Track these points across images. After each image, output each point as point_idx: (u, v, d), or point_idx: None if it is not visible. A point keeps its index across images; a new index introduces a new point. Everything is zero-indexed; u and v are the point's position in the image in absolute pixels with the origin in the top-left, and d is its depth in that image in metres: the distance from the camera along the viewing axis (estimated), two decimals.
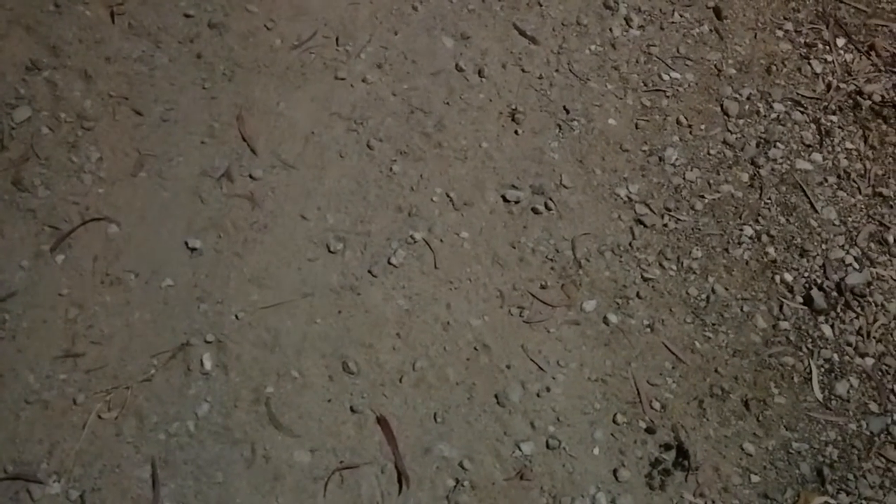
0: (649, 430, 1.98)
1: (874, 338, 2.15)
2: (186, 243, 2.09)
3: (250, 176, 2.21)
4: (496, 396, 1.98)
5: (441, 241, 2.19)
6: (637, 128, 2.45)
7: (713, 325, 2.14)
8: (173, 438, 1.85)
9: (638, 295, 2.16)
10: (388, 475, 1.86)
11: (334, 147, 2.29)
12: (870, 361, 2.11)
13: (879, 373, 2.10)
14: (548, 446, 1.93)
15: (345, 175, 2.25)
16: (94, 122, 2.23)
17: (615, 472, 1.91)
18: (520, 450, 1.92)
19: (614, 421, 1.98)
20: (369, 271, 2.12)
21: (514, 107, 2.42)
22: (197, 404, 1.89)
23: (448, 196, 2.26)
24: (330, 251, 2.14)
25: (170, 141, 2.23)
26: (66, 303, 1.96)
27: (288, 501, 1.80)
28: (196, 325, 1.98)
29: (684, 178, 2.38)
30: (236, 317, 2.01)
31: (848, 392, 2.06)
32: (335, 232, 2.16)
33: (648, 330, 2.11)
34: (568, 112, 2.45)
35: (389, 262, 2.13)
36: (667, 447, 1.95)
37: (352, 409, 1.93)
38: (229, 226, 2.13)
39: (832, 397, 2.05)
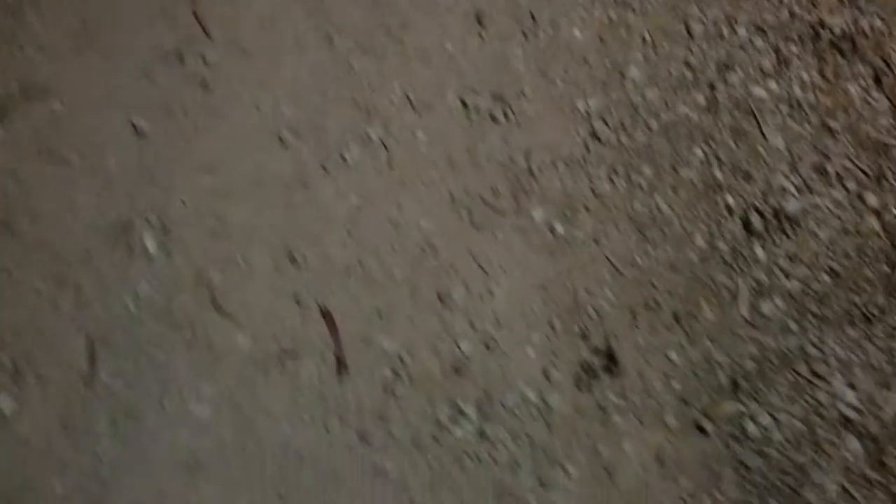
0: (583, 337, 2.05)
1: (803, 262, 2.22)
2: (133, 124, 2.03)
3: (203, 59, 2.14)
4: (439, 296, 2.02)
5: (397, 141, 2.17)
6: (602, 42, 2.43)
7: (654, 241, 2.19)
8: (112, 316, 1.85)
9: (586, 207, 2.19)
10: (329, 364, 1.90)
11: (293, 36, 2.22)
12: (796, 284, 2.19)
13: (803, 295, 2.19)
14: (485, 346, 1.98)
15: (303, 66, 2.19)
16: None
17: (546, 372, 1.98)
18: (458, 347, 1.97)
19: (551, 326, 2.04)
20: (322, 166, 2.10)
21: (481, 10, 2.37)
22: (138, 285, 1.88)
23: (407, 96, 2.23)
24: (283, 143, 2.10)
25: (118, 16, 2.12)
26: (5, 177, 1.91)
27: (228, 383, 1.84)
28: (140, 207, 1.95)
29: (643, 97, 2.38)
30: (183, 202, 1.99)
31: (772, 311, 2.14)
32: (289, 124, 2.12)
33: (593, 242, 2.15)
34: (535, 20, 2.40)
35: (343, 159, 2.12)
36: (597, 352, 2.02)
37: (296, 300, 1.95)
38: (179, 109, 2.07)
39: (757, 315, 2.14)
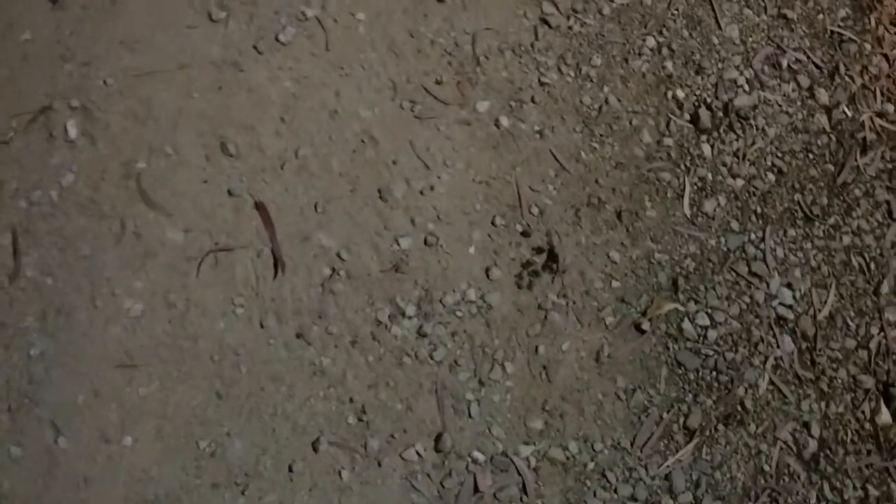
0: (524, 234, 2.11)
1: (749, 160, 2.30)
2: None
3: None
4: (379, 191, 2.04)
5: (335, 20, 2.11)
6: None
7: (601, 136, 2.22)
8: (35, 207, 1.82)
9: (532, 99, 2.20)
10: (264, 260, 1.93)
11: None
12: (740, 183, 2.28)
13: (746, 194, 2.28)
14: (426, 242, 2.03)
15: None
16: None
17: (487, 270, 2.05)
18: (398, 244, 2.01)
19: (492, 223, 2.09)
20: (254, 47, 2.04)
21: None
22: (61, 173, 1.85)
23: None
24: (212, 19, 2.03)
25: None
26: None
27: (159, 279, 1.85)
28: (60, 87, 1.88)
29: None
30: (105, 82, 1.92)
31: (714, 210, 2.24)
32: None
33: (538, 136, 2.18)
34: None
35: (277, 39, 2.06)
36: (539, 251, 2.09)
37: (229, 192, 1.94)
38: None
39: (699, 214, 2.23)
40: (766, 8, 2.47)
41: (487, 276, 2.04)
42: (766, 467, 2.02)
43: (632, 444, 1.98)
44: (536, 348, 2.00)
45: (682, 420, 2.02)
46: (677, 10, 2.38)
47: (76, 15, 1.93)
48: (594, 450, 1.95)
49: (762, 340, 2.13)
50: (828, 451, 2.06)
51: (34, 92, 1.87)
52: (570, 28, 2.28)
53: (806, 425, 2.07)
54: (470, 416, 1.92)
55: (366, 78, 2.10)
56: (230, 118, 1.98)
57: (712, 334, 2.10)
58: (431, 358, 1.95)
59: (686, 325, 2.10)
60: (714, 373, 2.08)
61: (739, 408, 2.06)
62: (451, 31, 2.19)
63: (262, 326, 1.88)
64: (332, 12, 2.11)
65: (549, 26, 2.26)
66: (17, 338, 1.76)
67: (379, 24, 2.14)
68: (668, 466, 1.98)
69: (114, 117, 1.91)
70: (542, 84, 2.22)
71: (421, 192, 2.06)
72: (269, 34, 2.05)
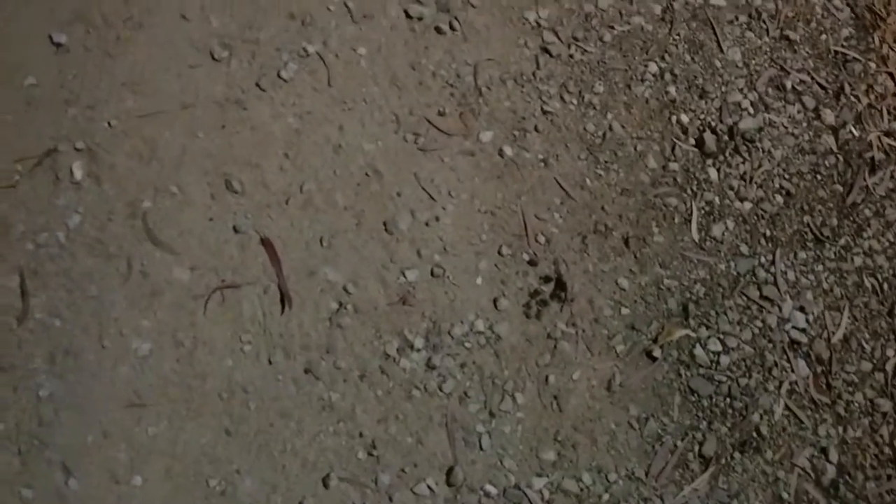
0: (532, 263, 2.16)
1: (756, 183, 2.36)
2: (50, 37, 2.00)
3: None
4: (385, 223, 2.10)
5: (336, 56, 2.19)
6: None
7: (605, 162, 2.28)
8: (42, 249, 1.88)
9: (536, 128, 2.27)
10: (271, 296, 1.98)
11: None
12: (748, 206, 2.33)
13: (755, 217, 2.33)
14: (432, 274, 2.08)
15: None
16: None
17: (495, 301, 2.10)
18: (404, 276, 2.07)
19: (499, 253, 2.14)
20: (257, 84, 2.12)
21: None
22: (67, 215, 1.91)
23: (346, 6, 2.23)
24: (214, 58, 2.11)
25: None
26: None
27: (166, 318, 1.91)
28: (64, 130, 1.96)
29: (596, 6, 2.43)
30: (109, 124, 1.99)
31: (723, 234, 2.28)
32: (220, 37, 2.12)
33: (542, 164, 2.24)
34: None
35: (279, 76, 2.13)
36: (546, 279, 2.14)
37: (235, 229, 2.00)
38: (99, 20, 2.05)
39: (708, 238, 2.28)
40: (767, 30, 2.54)
41: (495, 307, 2.09)
42: (785, 495, 2.04)
43: (646, 474, 2.01)
44: (547, 378, 2.04)
45: (697, 448, 2.05)
46: (679, 35, 2.45)
47: (79, 58, 2.01)
48: (608, 480, 1.98)
49: (776, 365, 2.16)
50: (847, 477, 2.09)
51: (39, 135, 1.95)
52: (571, 56, 2.35)
53: (824, 451, 2.10)
54: (481, 448, 1.96)
55: (369, 111, 2.17)
56: (234, 156, 2.05)
57: (725, 360, 2.14)
58: (441, 390, 1.99)
59: (698, 351, 2.14)
60: (728, 399, 2.11)
61: (755, 434, 2.09)
62: (452, 62, 2.26)
63: (270, 362, 1.93)
64: (334, 48, 2.18)
65: (551, 55, 2.33)
66: (26, 380, 1.81)
67: (380, 58, 2.21)
68: (684, 496, 2.01)
69: (119, 158, 1.98)
70: (544, 112, 2.28)
71: (426, 224, 2.11)
72: (271, 71, 2.12)
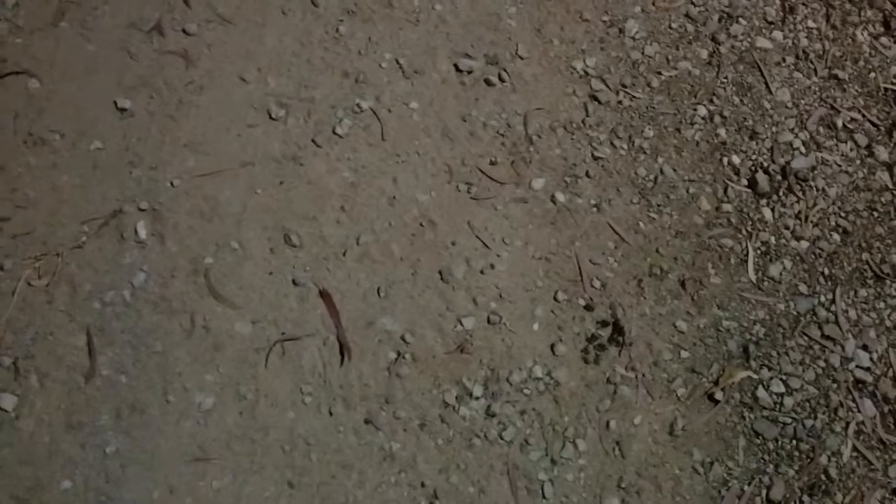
0: (588, 308, 2.15)
1: (811, 222, 2.33)
2: (115, 103, 2.08)
3: (183, 30, 2.18)
4: (440, 272, 2.11)
5: (389, 111, 2.23)
6: None
7: (658, 206, 2.28)
8: (108, 307, 1.93)
9: (587, 174, 2.28)
10: (331, 347, 1.99)
11: (276, 2, 2.26)
12: (804, 245, 2.30)
13: (812, 256, 2.29)
14: (489, 321, 2.08)
15: (287, 34, 2.24)
16: None
17: (552, 346, 2.08)
18: (461, 324, 2.07)
19: (555, 298, 2.13)
20: (313, 140, 2.16)
21: None
22: (132, 273, 1.96)
23: (398, 62, 2.28)
24: (271, 117, 2.17)
25: None
26: None
27: (229, 371, 1.93)
28: (129, 191, 2.02)
29: (643, 53, 2.45)
30: (171, 184, 2.05)
31: (780, 274, 2.25)
32: (276, 97, 2.18)
33: (594, 209, 2.24)
34: None
35: (334, 132, 2.18)
36: (603, 324, 2.13)
37: (294, 282, 2.03)
38: (162, 85, 2.13)
39: (765, 279, 2.24)
40: (815, 70, 2.53)
41: (553, 352, 2.07)
42: None
43: None
44: (608, 423, 2.01)
45: (764, 493, 1.99)
46: (726, 78, 2.46)
47: (143, 122, 2.08)
48: None
49: (841, 405, 2.10)
50: None
51: (105, 197, 2.01)
52: (619, 102, 2.37)
53: (895, 492, 2.02)
54: (544, 496, 1.93)
55: (422, 163, 2.20)
56: (292, 211, 2.09)
57: (789, 401, 2.09)
58: (501, 438, 1.97)
59: (761, 392, 2.09)
60: (794, 441, 2.05)
61: (824, 477, 2.03)
62: (502, 112, 2.29)
63: (330, 414, 1.94)
64: (386, 103, 2.23)
65: (599, 102, 2.35)
66: (93, 436, 1.84)
67: (432, 111, 2.25)
68: None
69: (181, 217, 2.03)
70: (595, 158, 2.29)
71: (481, 272, 2.12)
72: (326, 128, 2.17)
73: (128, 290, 1.94)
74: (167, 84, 2.13)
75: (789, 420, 2.07)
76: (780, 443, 2.05)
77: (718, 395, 2.08)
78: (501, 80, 2.31)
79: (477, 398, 2.00)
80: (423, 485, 1.91)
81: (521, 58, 2.35)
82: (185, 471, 1.84)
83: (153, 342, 1.92)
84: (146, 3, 2.18)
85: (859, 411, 2.11)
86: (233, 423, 1.89)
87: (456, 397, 2.00)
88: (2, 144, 1.99)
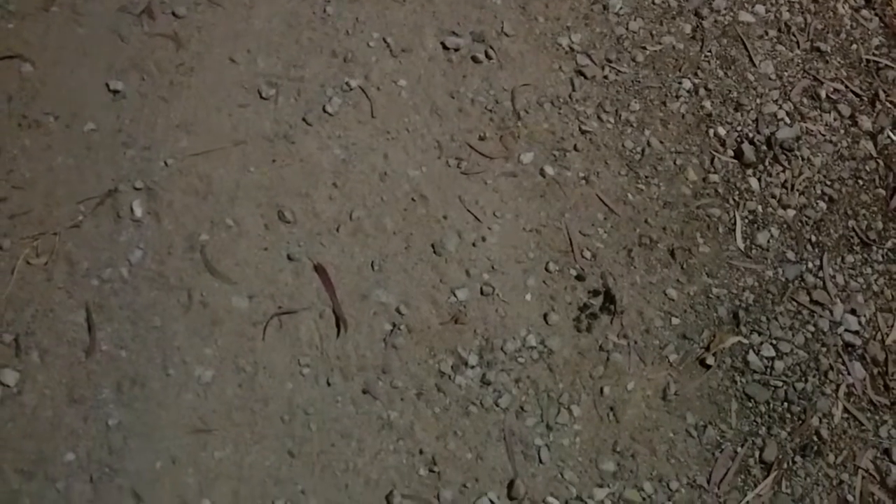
0: (579, 278, 2.22)
1: (797, 190, 2.40)
2: (107, 85, 2.15)
3: (173, 13, 2.24)
4: (433, 246, 2.17)
5: (378, 88, 2.30)
6: None
7: (646, 177, 2.35)
8: (106, 284, 1.99)
9: (575, 147, 2.35)
10: (327, 320, 2.06)
11: None
12: (791, 213, 2.37)
13: (799, 223, 2.37)
14: (482, 292, 2.15)
15: (275, 15, 2.31)
16: None
17: (545, 316, 2.15)
18: (455, 296, 2.13)
19: (546, 269, 2.20)
20: (303, 119, 2.23)
21: None
22: (129, 251, 2.02)
23: (385, 41, 2.35)
24: (262, 97, 2.23)
25: None
26: None
27: (227, 344, 1.99)
28: (123, 171, 2.08)
29: (627, 28, 2.53)
30: (165, 163, 2.12)
31: (768, 241, 2.32)
32: (266, 77, 2.25)
33: (583, 182, 2.31)
34: None
35: (324, 110, 2.25)
36: (595, 293, 2.19)
37: (289, 257, 2.10)
38: (153, 67, 2.19)
39: (753, 246, 2.32)
40: (798, 43, 2.61)
41: (546, 322, 2.14)
42: (850, 497, 2.04)
43: (708, 482, 2.02)
44: (601, 390, 2.08)
45: (757, 454, 2.06)
46: (710, 51, 2.54)
47: (135, 104, 2.15)
48: (670, 489, 2.00)
49: (832, 368, 2.17)
50: None
51: (100, 177, 2.07)
52: (605, 77, 2.44)
53: (887, 452, 2.09)
54: (541, 461, 1.99)
55: (412, 140, 2.26)
56: (285, 188, 2.15)
57: (779, 365, 2.16)
58: (497, 405, 2.04)
59: (751, 357, 2.16)
60: (785, 404, 2.12)
61: (815, 438, 2.10)
62: (489, 89, 2.36)
63: (328, 384, 2.00)
64: (375, 81, 2.30)
65: (585, 77, 2.43)
66: (95, 409, 1.89)
67: (420, 89, 2.32)
68: (748, 502, 2.02)
69: (176, 195, 2.09)
70: (583, 132, 2.36)
71: (473, 244, 2.19)
72: (316, 106, 2.24)
73: (125, 267, 2.00)
74: (158, 66, 2.19)
75: (780, 383, 2.14)
76: (771, 406, 2.12)
77: (710, 361, 2.14)
78: (488, 57, 2.38)
79: (472, 367, 2.06)
80: (421, 451, 1.97)
81: (507, 35, 2.42)
82: (187, 442, 1.89)
83: (152, 317, 1.98)
84: None
85: (849, 374, 2.18)
86: (232, 394, 1.95)
87: (451, 366, 2.06)
88: None
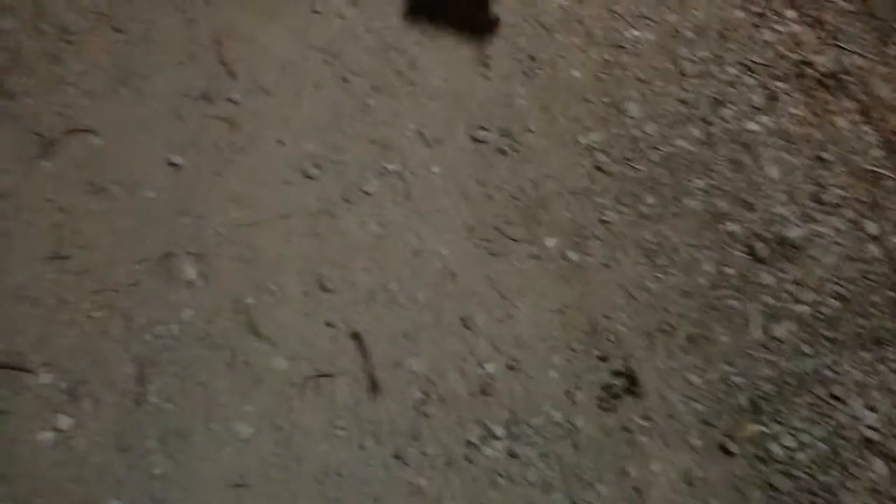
0: (603, 359, 2.40)
1: (810, 287, 2.62)
2: (167, 158, 2.43)
3: (229, 99, 2.55)
4: (462, 320, 2.39)
5: (413, 173, 2.58)
6: (599, 80, 2.90)
7: (664, 267, 2.58)
8: (158, 340, 2.18)
9: (595, 236, 2.59)
10: (362, 385, 2.24)
11: (311, 78, 2.65)
12: (806, 309, 2.56)
13: (814, 319, 2.56)
14: (509, 367, 2.33)
15: (321, 104, 2.61)
16: (76, 35, 2.55)
17: (570, 393, 2.32)
18: (483, 369, 2.32)
19: (571, 349, 2.39)
20: (344, 198, 2.49)
21: (484, 53, 2.84)
22: (180, 310, 2.23)
23: (420, 132, 2.66)
24: (306, 176, 2.51)
25: (149, 60, 2.54)
26: (52, 208, 2.28)
27: (266, 403, 2.16)
28: (178, 236, 2.32)
29: (642, 131, 2.84)
30: (216, 231, 2.35)
31: (784, 334, 2.51)
32: (311, 158, 2.53)
33: (604, 268, 2.54)
34: (534, 60, 2.88)
35: (363, 191, 2.52)
36: (618, 374, 2.36)
37: (327, 324, 2.31)
38: (209, 145, 2.47)
39: (770, 338, 2.51)
40: (802, 151, 2.91)
41: (571, 400, 2.30)
42: None
43: None
44: (626, 470, 2.22)
45: None
46: (720, 155, 2.82)
47: (191, 176, 2.41)
48: None
49: (853, 463, 2.29)
50: None
51: (157, 241, 2.30)
52: (622, 173, 2.73)
53: None
54: None
55: (443, 221, 2.52)
56: (326, 259, 2.39)
57: (801, 456, 2.28)
58: (524, 479, 2.19)
59: (773, 446, 2.28)
60: (809, 496, 2.23)
61: None
62: (515, 179, 2.64)
63: (361, 448, 2.16)
64: (411, 167, 2.58)
65: (604, 172, 2.71)
66: (140, 459, 2.04)
67: (451, 175, 2.60)
68: None
69: (225, 261, 2.33)
70: (602, 222, 2.62)
71: (500, 321, 2.39)
72: (356, 187, 2.51)
73: (176, 325, 2.21)
74: (213, 144, 2.47)
75: (803, 474, 2.25)
76: (795, 497, 2.22)
77: (732, 448, 2.27)
78: (514, 150, 2.68)
79: (499, 439, 2.22)
80: None
81: (531, 131, 2.72)
82: (225, 495, 2.04)
83: (198, 373, 2.17)
84: (195, 74, 2.55)
85: (870, 469, 2.29)
86: (269, 452, 2.11)
87: (479, 437, 2.21)
88: (67, 191, 2.30)
